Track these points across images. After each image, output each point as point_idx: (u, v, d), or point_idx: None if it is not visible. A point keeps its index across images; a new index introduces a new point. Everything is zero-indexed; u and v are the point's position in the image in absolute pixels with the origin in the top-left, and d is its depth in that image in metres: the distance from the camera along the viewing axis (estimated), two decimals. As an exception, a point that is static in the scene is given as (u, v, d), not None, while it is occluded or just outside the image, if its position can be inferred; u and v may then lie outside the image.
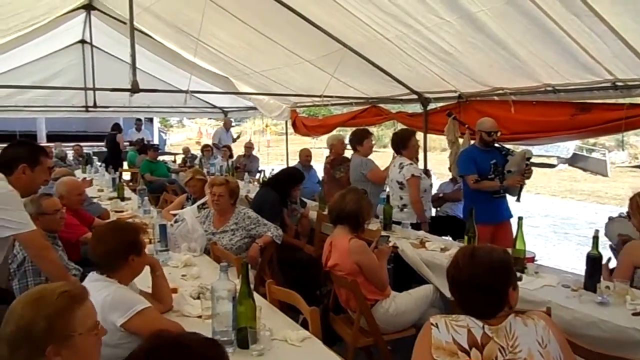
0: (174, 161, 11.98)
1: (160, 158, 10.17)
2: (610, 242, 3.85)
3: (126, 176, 9.38)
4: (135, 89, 4.63)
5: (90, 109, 9.19)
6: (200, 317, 2.38)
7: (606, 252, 3.52)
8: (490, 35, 3.73)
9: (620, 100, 3.86)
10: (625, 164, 19.79)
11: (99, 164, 8.99)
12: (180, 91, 6.41)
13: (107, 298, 1.93)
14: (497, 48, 3.89)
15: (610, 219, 3.94)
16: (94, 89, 8.10)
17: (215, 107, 11.17)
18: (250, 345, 2.04)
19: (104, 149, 11.94)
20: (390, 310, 3.05)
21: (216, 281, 2.09)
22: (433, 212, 5.81)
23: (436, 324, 1.66)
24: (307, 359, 2.01)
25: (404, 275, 3.85)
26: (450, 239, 4.85)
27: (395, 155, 4.63)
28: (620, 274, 2.75)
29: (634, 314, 2.36)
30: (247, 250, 3.76)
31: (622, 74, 3.59)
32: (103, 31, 7.65)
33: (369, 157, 5.13)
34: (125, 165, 10.30)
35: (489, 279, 1.67)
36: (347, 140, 8.27)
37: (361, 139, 5.07)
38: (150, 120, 19.49)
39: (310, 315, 2.30)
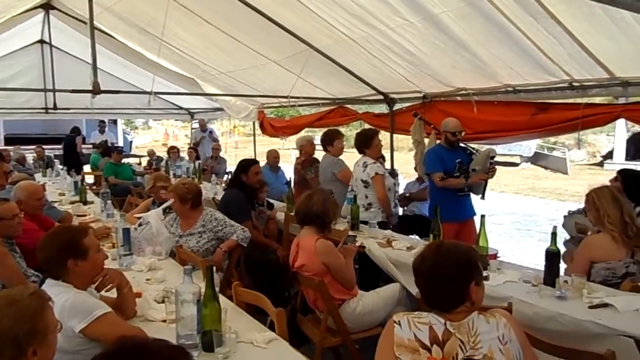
0: (139, 163, 11.73)
1: (125, 160, 9.96)
2: (566, 237, 3.98)
3: (89, 179, 9.14)
4: (96, 90, 4.52)
5: (50, 110, 8.92)
6: (164, 321, 2.34)
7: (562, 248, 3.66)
8: (453, 36, 3.80)
9: (577, 100, 3.99)
10: (583, 162, 20.48)
11: (60, 167, 8.73)
12: (144, 92, 6.30)
13: (66, 304, 1.87)
14: (460, 49, 3.96)
15: (569, 213, 4.07)
16: (54, 90, 7.86)
17: (181, 108, 11.01)
18: (216, 348, 2.02)
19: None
20: (357, 309, 3.06)
21: (180, 284, 2.05)
22: (400, 211, 5.90)
23: (399, 321, 1.67)
24: (273, 361, 2.00)
25: (372, 275, 3.88)
26: (418, 237, 4.93)
27: (360, 154, 4.67)
28: (577, 269, 2.84)
29: (590, 307, 2.44)
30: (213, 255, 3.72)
31: (578, 74, 3.71)
32: (63, 31, 7.44)
33: (340, 157, 5.17)
34: (87, 168, 10.03)
35: (452, 271, 1.71)
36: (317, 141, 8.31)
37: (332, 139, 5.10)
38: (114, 122, 19.07)
39: (276, 316, 2.30)
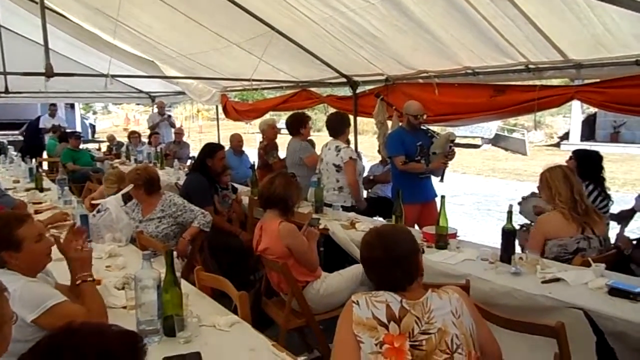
0: (99, 149, 11.41)
1: (84, 146, 9.67)
2: (522, 221, 4.10)
3: (45, 166, 8.84)
4: (49, 73, 4.35)
5: (1, 94, 8.52)
6: (125, 307, 2.31)
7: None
8: (414, 18, 3.81)
9: (534, 82, 4.09)
10: (542, 143, 21.10)
11: (15, 153, 8.39)
12: (100, 75, 6.09)
13: (15, 294, 1.81)
14: (421, 31, 3.98)
15: (523, 198, 4.19)
16: (5, 73, 7.49)
17: (141, 92, 10.74)
18: (177, 333, 2.01)
19: (20, 138, 11.15)
20: (321, 291, 3.09)
21: (139, 270, 2.03)
22: (365, 193, 5.96)
23: (357, 301, 1.70)
24: (236, 343, 2.00)
25: (337, 257, 3.92)
26: (381, 219, 5.00)
27: (331, 137, 4.68)
28: (532, 246, 2.95)
29: (543, 282, 2.55)
30: (177, 239, 3.69)
31: (534, 57, 3.80)
32: (12, 11, 7.09)
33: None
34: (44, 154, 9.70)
35: (404, 249, 1.78)
36: (280, 125, 8.25)
37: (304, 122, 5.13)
38: (72, 106, 18.43)
39: (239, 299, 2.30)
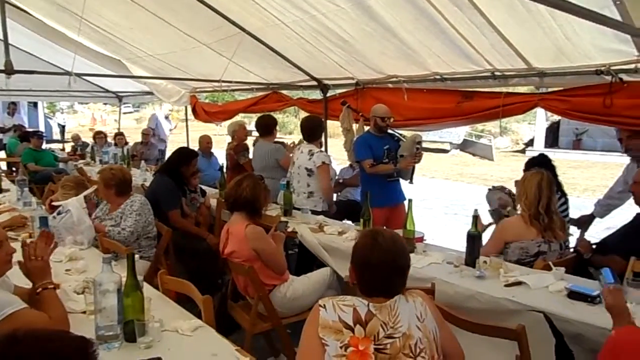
0: (63, 149, 11.09)
1: (48, 146, 9.39)
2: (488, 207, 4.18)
3: (4, 166, 8.55)
4: (9, 70, 4.19)
5: (-42, 92, 8.21)
6: (84, 312, 2.24)
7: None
8: (383, 23, 3.84)
9: (498, 89, 4.18)
10: (508, 149, 21.62)
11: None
12: (64, 73, 5.91)
13: None
14: (390, 36, 4.01)
15: (493, 187, 4.26)
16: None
17: (108, 91, 10.48)
18: (138, 338, 1.96)
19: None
20: (288, 294, 3.08)
21: (99, 274, 1.97)
22: (334, 197, 5.97)
23: (324, 305, 1.70)
24: (199, 348, 1.97)
25: (307, 260, 3.91)
26: (351, 222, 5.01)
27: (305, 141, 4.68)
28: (491, 249, 3.01)
29: (505, 285, 2.60)
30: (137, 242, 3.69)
31: (499, 64, 3.88)
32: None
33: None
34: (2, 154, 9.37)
35: (406, 260, 1.78)
36: (250, 127, 8.20)
37: (275, 125, 5.10)
38: (35, 105, 17.89)
39: (203, 303, 2.26)
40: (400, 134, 4.60)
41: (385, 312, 1.69)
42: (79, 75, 5.38)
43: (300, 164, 4.54)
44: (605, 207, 4.05)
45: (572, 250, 3.24)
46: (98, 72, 7.82)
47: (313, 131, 4.70)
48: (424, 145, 4.60)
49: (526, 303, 2.40)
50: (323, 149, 6.02)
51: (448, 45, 3.84)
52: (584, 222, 4.08)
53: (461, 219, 8.88)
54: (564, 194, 3.85)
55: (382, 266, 1.73)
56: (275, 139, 5.54)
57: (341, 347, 1.63)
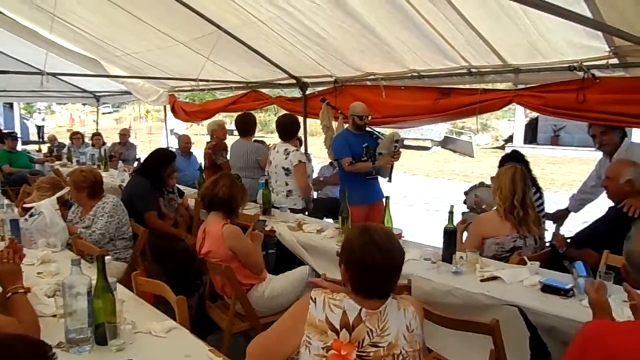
0: (39, 150, 10.88)
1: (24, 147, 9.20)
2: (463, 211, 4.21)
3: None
4: (-23, 69, 4.10)
5: None
6: (55, 316, 2.19)
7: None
8: (360, 20, 3.83)
9: (475, 86, 4.21)
10: (488, 146, 21.87)
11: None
12: (36, 72, 5.79)
13: None
14: (367, 33, 4.01)
15: (471, 188, 4.28)
16: None
17: (85, 91, 10.32)
18: (110, 341, 1.92)
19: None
20: (265, 293, 3.06)
21: (68, 276, 1.93)
22: (314, 195, 5.96)
23: (315, 299, 1.67)
24: (172, 350, 1.94)
25: (287, 259, 3.89)
26: (331, 220, 5.02)
27: (280, 140, 4.66)
28: (469, 244, 3.03)
29: (481, 280, 2.61)
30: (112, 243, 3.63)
31: (475, 61, 3.90)
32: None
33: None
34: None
35: (402, 258, 1.70)
36: (231, 126, 8.13)
37: (254, 124, 5.06)
38: (11, 105, 17.53)
39: (177, 304, 2.23)
40: (379, 132, 4.60)
41: (374, 319, 1.64)
42: (52, 74, 5.27)
43: (277, 163, 4.53)
44: (579, 201, 4.11)
45: (547, 244, 3.28)
46: (75, 71, 7.67)
47: (288, 130, 4.69)
48: (406, 142, 4.66)
49: (501, 297, 2.42)
50: (303, 148, 6.04)
51: (424, 41, 3.85)
52: (560, 217, 4.13)
53: (442, 215, 8.82)
54: (539, 189, 3.89)
55: (383, 266, 1.62)
56: (255, 138, 5.51)
57: (323, 349, 1.60)
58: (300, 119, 6.00)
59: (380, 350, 1.62)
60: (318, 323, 1.63)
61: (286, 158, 4.47)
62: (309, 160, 6.13)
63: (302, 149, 5.98)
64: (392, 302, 1.69)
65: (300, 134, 5.74)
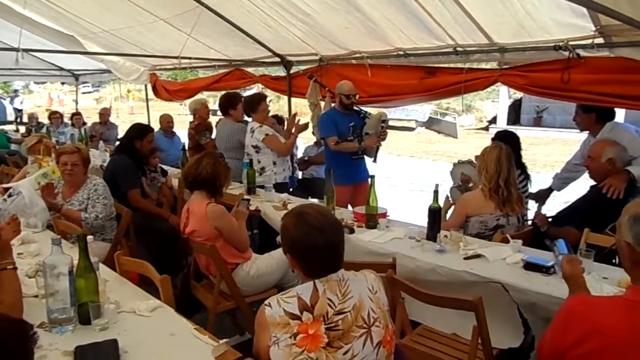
0: (17, 130, 10.65)
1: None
2: (452, 184, 4.23)
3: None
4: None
5: None
6: (36, 296, 2.16)
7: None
8: (345, -4, 3.78)
9: (460, 65, 4.19)
10: (472, 127, 21.96)
11: None
12: (10, 49, 5.60)
13: None
14: (352, 10, 3.95)
15: (459, 162, 4.30)
16: None
17: (63, 69, 10.06)
18: (93, 320, 1.90)
19: None
20: (251, 272, 3.05)
21: (49, 256, 1.89)
22: (300, 174, 5.94)
23: (269, 303, 1.66)
24: (157, 329, 1.92)
25: (271, 239, 3.88)
26: (316, 200, 5.01)
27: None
28: (453, 222, 3.05)
29: (465, 258, 2.64)
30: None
31: (461, 39, 3.88)
32: None
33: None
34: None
35: (341, 232, 1.73)
36: (214, 106, 8.01)
37: (235, 103, 5.03)
38: (-14, 84, 17.07)
39: (160, 283, 2.21)
40: (366, 112, 4.58)
41: (334, 285, 1.65)
42: (26, 50, 5.11)
43: (248, 143, 4.60)
44: (562, 180, 4.16)
45: (529, 223, 3.32)
46: (51, 49, 7.46)
47: (248, 107, 4.73)
48: (390, 123, 4.61)
49: (484, 275, 2.45)
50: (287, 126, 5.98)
51: (411, 19, 3.81)
52: (542, 196, 4.18)
53: (426, 195, 8.94)
54: (524, 171, 3.92)
55: (325, 245, 1.65)
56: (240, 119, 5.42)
57: (290, 337, 1.59)
58: (285, 98, 5.95)
59: (347, 315, 1.62)
60: (279, 319, 1.61)
61: (252, 136, 4.52)
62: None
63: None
64: (345, 272, 1.71)
65: (285, 113, 5.69)
